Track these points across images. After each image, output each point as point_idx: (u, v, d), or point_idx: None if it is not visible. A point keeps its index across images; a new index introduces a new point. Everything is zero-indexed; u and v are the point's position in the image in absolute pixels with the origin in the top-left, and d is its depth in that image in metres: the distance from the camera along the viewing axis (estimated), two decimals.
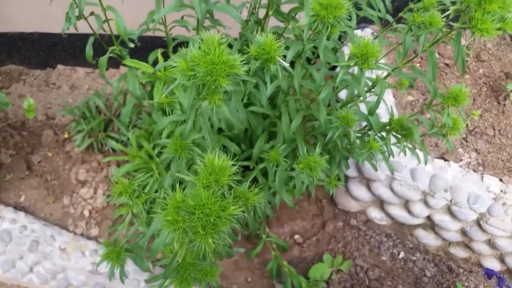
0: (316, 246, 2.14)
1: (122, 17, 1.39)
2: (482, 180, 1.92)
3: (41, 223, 2.14)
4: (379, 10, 1.39)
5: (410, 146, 1.50)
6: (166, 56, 1.87)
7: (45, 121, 2.47)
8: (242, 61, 0.85)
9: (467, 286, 2.09)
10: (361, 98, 1.32)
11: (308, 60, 1.78)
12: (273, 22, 1.61)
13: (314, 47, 1.24)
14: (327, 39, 1.15)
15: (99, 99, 2.22)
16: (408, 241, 2.16)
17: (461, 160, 2.00)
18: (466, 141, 2.05)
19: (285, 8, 1.56)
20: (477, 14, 0.93)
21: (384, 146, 1.46)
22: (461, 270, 2.13)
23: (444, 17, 1.10)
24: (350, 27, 1.46)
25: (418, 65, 2.20)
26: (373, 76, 1.35)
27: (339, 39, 1.58)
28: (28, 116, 2.18)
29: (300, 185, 1.45)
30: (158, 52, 1.62)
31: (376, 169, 1.71)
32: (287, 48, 1.57)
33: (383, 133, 1.51)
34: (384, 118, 1.98)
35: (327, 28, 1.04)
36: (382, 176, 1.94)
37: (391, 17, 1.48)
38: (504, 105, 2.13)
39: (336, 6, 1.02)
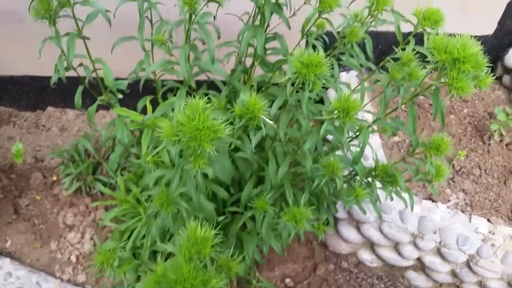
0: None
1: (110, 69, 1.41)
2: (470, 221, 1.93)
3: (26, 270, 2.09)
4: (361, 63, 1.43)
5: (398, 189, 1.51)
6: (155, 103, 1.90)
7: (34, 163, 2.46)
8: (227, 121, 0.87)
9: None
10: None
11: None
12: (260, 70, 1.65)
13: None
14: (310, 91, 1.18)
15: (88, 142, 2.22)
16: (399, 283, 2.14)
17: (448, 200, 2.01)
18: (453, 181, 2.07)
19: (272, 58, 1.60)
20: (452, 73, 0.96)
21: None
22: None
23: (423, 69, 1.13)
24: (333, 76, 1.49)
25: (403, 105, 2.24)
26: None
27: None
28: (17, 160, 2.17)
29: (287, 235, 1.45)
30: (147, 100, 1.64)
31: (364, 213, 1.71)
32: (273, 96, 1.61)
33: (370, 179, 1.53)
34: (371, 159, 2.00)
35: (309, 84, 1.07)
36: (371, 218, 1.94)
37: (373, 65, 1.52)
38: (489, 144, 2.17)
39: (317, 64, 1.05)
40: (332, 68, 1.50)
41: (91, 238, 2.21)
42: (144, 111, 1.80)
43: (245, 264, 1.74)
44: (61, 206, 2.33)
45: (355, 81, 2.30)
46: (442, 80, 1.03)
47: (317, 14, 1.19)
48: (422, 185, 2.04)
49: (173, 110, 1.33)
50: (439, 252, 1.92)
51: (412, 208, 1.51)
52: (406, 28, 1.42)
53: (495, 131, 2.14)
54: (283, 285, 2.11)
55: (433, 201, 1.99)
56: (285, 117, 1.32)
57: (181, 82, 1.55)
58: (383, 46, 2.29)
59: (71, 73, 1.51)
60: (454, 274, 1.98)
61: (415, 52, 1.31)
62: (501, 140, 2.18)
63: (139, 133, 1.82)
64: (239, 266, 0.86)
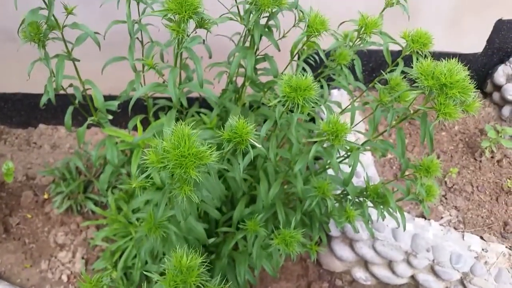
0: None
1: (100, 91, 1.41)
2: (463, 239, 1.93)
3: None
4: (350, 83, 1.43)
5: (390, 209, 1.51)
6: (147, 122, 1.89)
7: (25, 181, 2.44)
8: (216, 144, 0.86)
9: None
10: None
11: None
12: (251, 89, 1.65)
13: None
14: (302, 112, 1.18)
15: (79, 160, 2.21)
16: None
17: (441, 218, 2.01)
18: (446, 198, 2.07)
19: (263, 78, 1.60)
20: (440, 98, 0.97)
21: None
22: None
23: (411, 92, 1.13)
24: (322, 96, 1.50)
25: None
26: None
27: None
28: (7, 180, 2.15)
29: (278, 258, 1.44)
30: (138, 120, 1.64)
31: (357, 231, 1.70)
32: (264, 115, 1.61)
33: (361, 198, 1.52)
34: (363, 176, 2.00)
35: (298, 108, 1.07)
36: (364, 236, 1.93)
37: (363, 85, 1.52)
38: (481, 161, 2.18)
39: (305, 88, 1.05)
40: (322, 88, 1.51)
41: (83, 258, 2.19)
42: (136, 128, 1.80)
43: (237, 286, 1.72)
44: (52, 225, 2.30)
45: (346, 98, 2.31)
46: (430, 105, 1.03)
47: (305, 38, 1.19)
48: (415, 203, 2.04)
49: (162, 132, 1.32)
50: (432, 270, 1.91)
51: (404, 227, 1.50)
52: (397, 45, 1.43)
53: (486, 148, 2.15)
54: None
55: (425, 218, 1.98)
56: (275, 139, 1.32)
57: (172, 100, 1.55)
58: (374, 64, 2.31)
59: (65, 83, 1.50)
60: None
61: (403, 76, 1.32)
62: (492, 157, 2.19)
63: (130, 152, 1.81)
64: None
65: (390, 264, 1.99)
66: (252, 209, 1.66)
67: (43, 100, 1.47)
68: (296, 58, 1.46)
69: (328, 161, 1.53)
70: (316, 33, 1.14)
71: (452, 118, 0.97)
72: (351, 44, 1.39)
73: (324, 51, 1.34)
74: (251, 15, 1.24)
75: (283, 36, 1.43)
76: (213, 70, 1.73)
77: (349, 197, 1.52)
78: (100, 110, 1.41)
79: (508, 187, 2.10)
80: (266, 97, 1.54)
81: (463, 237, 1.94)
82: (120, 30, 1.42)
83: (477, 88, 2.59)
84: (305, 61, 1.50)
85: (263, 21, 1.32)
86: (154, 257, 1.53)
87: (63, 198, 2.24)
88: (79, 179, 2.24)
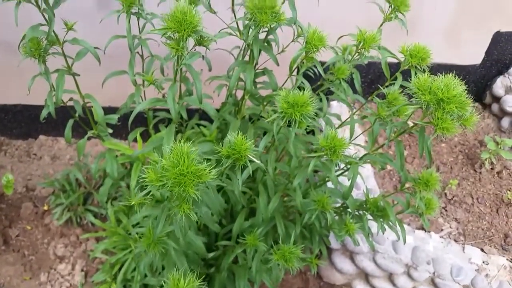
0: None
1: (100, 105, 1.42)
2: (464, 251, 1.92)
3: None
4: (351, 94, 1.44)
5: (390, 222, 1.51)
6: (147, 134, 1.90)
7: (24, 193, 2.44)
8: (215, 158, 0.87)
9: None
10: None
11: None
12: (250, 102, 1.66)
13: None
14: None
15: (79, 172, 2.21)
16: None
17: (441, 230, 2.01)
18: (446, 210, 2.07)
19: (263, 91, 1.61)
20: (437, 113, 0.97)
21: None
22: None
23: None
24: (321, 109, 1.50)
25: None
26: None
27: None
28: (7, 192, 2.15)
29: (278, 273, 1.43)
30: (137, 133, 1.64)
31: (357, 244, 1.70)
32: (263, 128, 1.62)
33: (361, 212, 1.52)
34: (363, 188, 1.99)
35: (295, 123, 1.07)
36: (365, 248, 1.93)
37: (362, 99, 1.53)
38: (481, 172, 2.17)
39: (302, 104, 1.05)
40: (321, 100, 1.52)
41: (82, 270, 2.18)
42: (136, 139, 1.80)
43: None
44: (51, 237, 2.30)
45: (346, 110, 2.31)
46: (428, 119, 1.04)
47: (304, 53, 1.20)
48: (415, 215, 2.03)
49: (162, 146, 1.33)
50: (433, 283, 1.90)
51: (404, 240, 1.50)
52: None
53: (485, 159, 2.15)
54: None
55: (426, 231, 1.98)
56: (273, 153, 1.32)
57: None
58: (373, 76, 2.32)
59: (65, 97, 1.51)
60: None
61: (402, 90, 1.32)
62: (492, 168, 2.19)
63: (130, 164, 1.82)
64: None
65: (390, 277, 1.98)
66: (251, 222, 1.65)
67: (43, 114, 1.47)
68: (295, 72, 1.47)
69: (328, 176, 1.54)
70: (315, 49, 1.15)
71: (450, 133, 0.97)
72: (350, 58, 1.40)
73: (323, 64, 1.35)
74: (250, 30, 1.25)
75: (282, 51, 1.44)
76: (213, 82, 1.74)
77: (349, 210, 1.52)
78: (100, 123, 1.41)
79: (508, 198, 2.10)
80: (265, 110, 1.54)
81: (463, 249, 1.93)
82: (121, 43, 1.43)
83: (476, 99, 2.60)
84: (305, 73, 1.51)
85: (262, 35, 1.33)
86: (153, 271, 1.52)
87: (62, 210, 2.24)
88: (78, 191, 2.24)
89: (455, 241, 1.98)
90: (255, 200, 1.73)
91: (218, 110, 1.82)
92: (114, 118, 1.50)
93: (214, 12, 1.45)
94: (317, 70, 1.56)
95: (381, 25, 1.40)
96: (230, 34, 1.36)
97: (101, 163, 1.92)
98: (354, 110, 1.55)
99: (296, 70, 1.47)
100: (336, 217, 1.60)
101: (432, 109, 0.99)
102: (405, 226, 1.98)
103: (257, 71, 1.47)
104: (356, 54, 1.32)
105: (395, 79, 1.36)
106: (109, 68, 1.54)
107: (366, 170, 2.13)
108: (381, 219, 1.46)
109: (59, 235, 2.29)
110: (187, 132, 1.91)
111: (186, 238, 1.18)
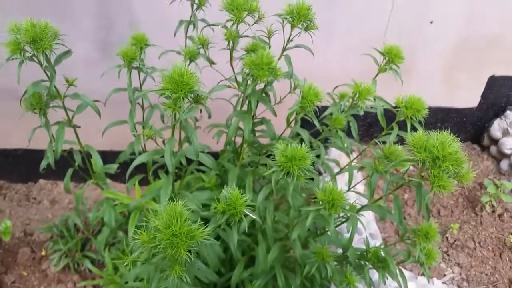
0: None
1: (99, 156, 1.43)
2: None
3: None
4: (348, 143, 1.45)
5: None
6: (146, 181, 1.90)
7: (22, 237, 2.42)
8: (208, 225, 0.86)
9: None
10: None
11: None
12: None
13: None
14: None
15: (78, 217, 2.20)
16: None
17: (444, 275, 1.97)
18: (448, 254, 2.04)
19: (263, 139, 1.62)
20: (434, 171, 0.98)
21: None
22: None
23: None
24: (319, 156, 1.51)
25: None
26: None
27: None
28: (4, 238, 2.14)
29: None
30: (136, 181, 1.65)
31: None
32: (262, 176, 1.62)
33: (362, 262, 1.50)
34: (364, 233, 1.97)
35: (293, 177, 1.08)
36: None
37: (360, 146, 1.54)
38: (482, 216, 2.16)
39: (300, 158, 1.06)
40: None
41: None
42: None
43: None
44: (48, 283, 2.26)
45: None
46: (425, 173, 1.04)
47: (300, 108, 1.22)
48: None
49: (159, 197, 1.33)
50: None
51: None
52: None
53: (486, 202, 2.14)
54: None
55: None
56: (271, 204, 1.32)
57: None
58: (371, 119, 2.34)
59: (65, 146, 1.52)
60: None
61: (399, 140, 1.33)
62: (493, 211, 2.17)
63: (128, 212, 1.81)
64: None
65: None
66: (251, 271, 1.63)
67: (43, 165, 1.48)
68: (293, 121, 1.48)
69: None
70: (310, 104, 1.17)
71: (446, 191, 0.97)
72: (347, 105, 1.41)
73: (320, 109, 1.36)
74: (249, 82, 1.28)
75: (280, 102, 1.46)
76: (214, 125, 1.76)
77: (350, 259, 1.50)
78: (98, 173, 1.42)
79: (511, 242, 2.07)
80: (264, 158, 1.55)
81: None
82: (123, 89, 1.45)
83: (474, 142, 2.61)
84: (303, 118, 1.52)
85: (260, 85, 1.36)
86: None
87: (60, 256, 2.21)
88: (77, 236, 2.22)
89: (459, 286, 1.94)
90: (254, 248, 1.71)
91: (218, 154, 1.83)
92: (113, 167, 1.51)
93: (214, 64, 1.48)
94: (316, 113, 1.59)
95: (376, 76, 1.43)
96: (229, 87, 1.39)
97: (100, 210, 1.91)
98: (353, 158, 1.56)
99: (294, 119, 1.49)
100: (337, 266, 1.57)
101: (428, 166, 0.99)
102: (407, 272, 1.95)
103: (255, 120, 1.48)
104: (352, 105, 1.34)
105: (392, 128, 1.38)
106: (111, 113, 1.55)
107: (367, 214, 2.11)
108: (382, 270, 1.44)
109: (56, 282, 2.25)
110: (186, 178, 1.91)
111: None
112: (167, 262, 0.85)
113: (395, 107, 1.35)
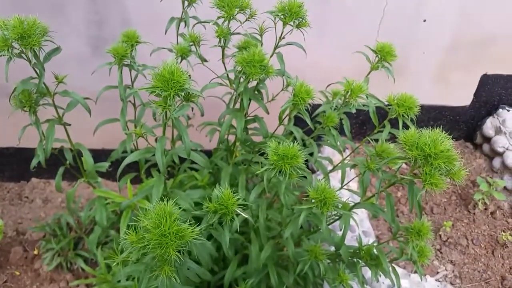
0: None
1: (90, 154, 1.41)
2: None
3: None
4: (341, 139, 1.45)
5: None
6: (139, 179, 1.89)
7: (15, 237, 2.40)
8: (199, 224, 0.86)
9: None
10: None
11: None
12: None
13: None
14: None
15: (71, 216, 2.19)
16: None
17: (437, 273, 1.98)
18: (441, 252, 2.04)
19: (256, 137, 1.62)
20: (425, 168, 0.97)
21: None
22: None
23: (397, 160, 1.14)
24: (312, 154, 1.51)
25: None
26: None
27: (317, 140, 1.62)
28: None
29: None
30: (128, 179, 1.64)
31: None
32: (255, 174, 1.61)
33: (355, 259, 1.50)
34: (357, 230, 1.98)
35: (285, 176, 1.07)
36: None
37: (353, 143, 1.54)
38: (474, 213, 2.16)
39: (292, 156, 1.05)
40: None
41: None
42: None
43: None
44: (41, 282, 2.24)
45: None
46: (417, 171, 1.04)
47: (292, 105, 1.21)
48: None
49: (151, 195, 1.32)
50: None
51: (399, 287, 1.48)
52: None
53: (479, 200, 2.15)
54: None
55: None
56: (264, 202, 1.31)
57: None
58: (364, 117, 2.34)
59: (57, 144, 1.51)
60: None
61: (391, 137, 1.33)
62: (485, 209, 2.18)
63: (120, 211, 1.80)
64: None
65: None
66: (244, 269, 1.62)
67: (33, 163, 1.47)
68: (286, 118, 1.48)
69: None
70: (302, 102, 1.16)
71: (438, 188, 0.97)
72: (339, 103, 1.41)
73: (313, 107, 1.35)
74: (241, 80, 1.27)
75: (272, 99, 1.46)
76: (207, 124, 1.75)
77: (342, 257, 1.50)
78: (89, 171, 1.41)
79: (503, 239, 2.08)
80: (257, 156, 1.54)
81: None
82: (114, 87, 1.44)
83: (467, 140, 2.61)
84: (296, 116, 1.52)
85: (252, 83, 1.35)
86: None
87: (53, 255, 2.20)
88: (69, 235, 2.21)
89: (452, 284, 1.95)
90: (247, 246, 1.71)
91: (211, 152, 1.83)
92: (104, 166, 1.49)
93: (206, 61, 1.47)
94: (309, 111, 1.58)
95: (368, 74, 1.43)
96: (221, 84, 1.38)
97: (92, 209, 1.90)
98: (346, 155, 1.56)
99: (287, 117, 1.49)
100: (330, 264, 1.57)
101: (420, 164, 0.99)
102: (400, 269, 1.95)
103: (248, 118, 1.48)
104: (344, 104, 1.34)
105: (384, 125, 1.38)
106: (102, 111, 1.54)
107: (361, 212, 2.11)
108: (375, 267, 1.44)
109: (49, 281, 2.23)
110: (179, 176, 1.90)
111: None
112: (157, 262, 0.85)
113: (387, 105, 1.35)
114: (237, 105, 1.55)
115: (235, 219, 1.02)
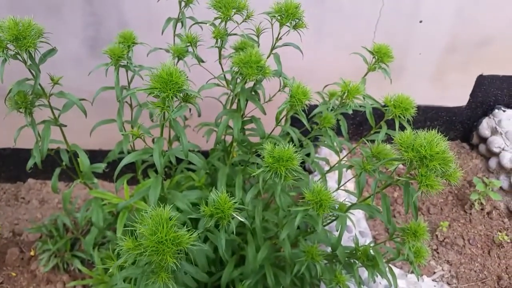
0: None
1: (86, 155, 1.41)
2: None
3: None
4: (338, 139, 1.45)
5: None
6: (135, 181, 1.88)
7: (11, 238, 2.39)
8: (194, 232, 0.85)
9: None
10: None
11: None
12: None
13: None
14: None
15: (67, 217, 2.18)
16: None
17: (434, 273, 1.98)
18: (438, 252, 2.05)
19: (253, 138, 1.62)
20: (421, 170, 0.97)
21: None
22: None
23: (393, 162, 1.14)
24: (309, 155, 1.51)
25: None
26: None
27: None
28: None
29: None
30: (124, 180, 1.63)
31: None
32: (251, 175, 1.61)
33: (352, 260, 1.50)
34: (354, 231, 1.98)
35: (281, 178, 1.07)
36: None
37: (349, 144, 1.54)
38: (471, 213, 2.17)
39: (287, 158, 1.05)
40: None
41: None
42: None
43: None
44: (37, 283, 2.24)
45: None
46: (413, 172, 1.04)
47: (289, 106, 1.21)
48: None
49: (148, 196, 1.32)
50: None
51: (396, 287, 1.48)
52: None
53: (475, 200, 2.15)
54: None
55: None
56: (260, 203, 1.31)
57: None
58: (361, 118, 2.35)
59: (53, 145, 1.50)
60: None
61: (387, 137, 1.33)
62: (482, 209, 2.19)
63: (117, 212, 1.79)
64: None
65: None
66: (241, 270, 1.62)
67: (29, 164, 1.46)
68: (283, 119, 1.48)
69: None
70: (299, 103, 1.16)
71: (434, 190, 0.97)
72: (336, 104, 1.41)
73: (310, 108, 1.35)
74: (238, 80, 1.27)
75: (269, 100, 1.46)
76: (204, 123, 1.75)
77: (339, 258, 1.50)
78: (85, 172, 1.40)
79: (500, 239, 2.09)
80: (254, 157, 1.54)
81: None
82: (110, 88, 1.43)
83: (463, 140, 2.61)
84: (293, 117, 1.52)
85: (249, 84, 1.35)
86: None
87: (49, 256, 2.19)
88: (66, 236, 2.20)
89: (448, 284, 1.96)
90: (244, 248, 1.71)
91: (208, 153, 1.83)
92: (100, 167, 1.49)
93: (203, 62, 1.47)
94: (305, 112, 1.58)
95: (365, 75, 1.43)
96: (218, 85, 1.38)
97: (88, 210, 1.89)
98: (342, 156, 1.56)
99: (283, 118, 1.49)
100: (327, 265, 1.58)
101: (416, 165, 0.99)
102: (397, 270, 1.96)
103: (245, 119, 1.48)
104: (341, 104, 1.34)
105: (381, 126, 1.38)
106: (99, 112, 1.54)
107: (357, 212, 2.12)
108: (372, 268, 1.44)
109: (45, 282, 2.22)
110: (176, 177, 1.90)
111: None
112: (153, 268, 0.84)
113: (384, 106, 1.36)
114: (234, 106, 1.55)
115: (231, 222, 1.02)
